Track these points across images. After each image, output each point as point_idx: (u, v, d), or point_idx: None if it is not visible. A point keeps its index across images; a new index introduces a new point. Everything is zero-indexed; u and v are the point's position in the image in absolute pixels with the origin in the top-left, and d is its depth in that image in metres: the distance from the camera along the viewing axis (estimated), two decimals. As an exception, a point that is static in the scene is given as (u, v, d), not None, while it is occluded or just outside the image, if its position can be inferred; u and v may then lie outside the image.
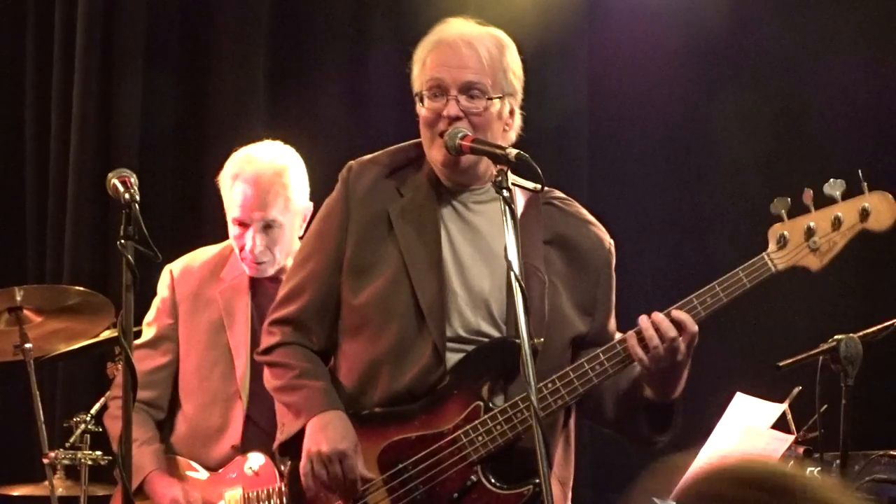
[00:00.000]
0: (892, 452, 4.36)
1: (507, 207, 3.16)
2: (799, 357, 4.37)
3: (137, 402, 4.37)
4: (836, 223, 3.31)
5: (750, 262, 3.31)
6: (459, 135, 3.29)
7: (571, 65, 6.20)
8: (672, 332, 3.24)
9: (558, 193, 3.49)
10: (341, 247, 3.49)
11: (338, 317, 3.51)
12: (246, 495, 4.25)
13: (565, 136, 6.16)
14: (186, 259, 4.55)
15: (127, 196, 3.48)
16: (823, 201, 3.26)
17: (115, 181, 3.54)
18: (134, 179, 3.55)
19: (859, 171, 3.30)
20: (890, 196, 3.32)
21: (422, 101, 3.40)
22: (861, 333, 4.25)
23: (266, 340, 3.57)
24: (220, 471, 4.38)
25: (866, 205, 3.30)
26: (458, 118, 3.33)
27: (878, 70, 5.84)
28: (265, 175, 4.29)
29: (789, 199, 3.30)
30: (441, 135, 3.34)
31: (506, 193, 3.18)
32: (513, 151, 3.23)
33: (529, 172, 3.35)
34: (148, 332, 4.47)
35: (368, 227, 3.47)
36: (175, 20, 6.19)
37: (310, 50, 6.08)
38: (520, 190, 3.44)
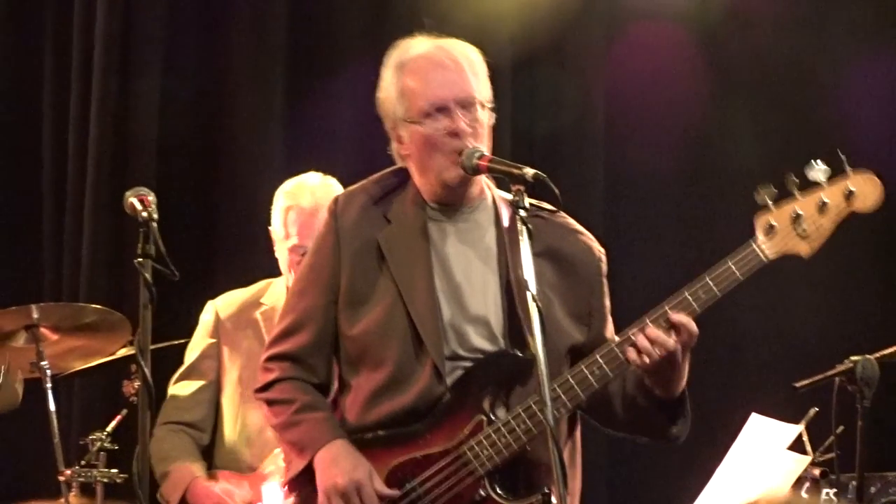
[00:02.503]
0: None
1: (524, 228, 3.16)
2: (815, 378, 4.44)
3: (181, 425, 4.65)
4: (823, 207, 3.27)
5: (739, 252, 3.29)
6: (477, 154, 3.30)
7: (588, 66, 6.22)
8: (669, 343, 3.25)
9: (545, 205, 3.45)
10: (335, 279, 3.49)
11: (336, 348, 3.53)
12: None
13: (582, 136, 6.19)
14: (228, 293, 4.73)
15: (145, 214, 3.54)
16: (808, 185, 3.25)
17: (133, 199, 3.60)
18: (152, 198, 3.59)
19: (839, 152, 3.29)
20: (874, 176, 3.30)
21: (417, 123, 3.40)
22: (878, 355, 4.32)
23: (264, 377, 3.56)
24: (258, 468, 4.48)
25: (851, 186, 3.27)
26: (467, 132, 3.35)
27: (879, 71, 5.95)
28: (324, 201, 4.31)
29: (773, 187, 3.28)
30: (459, 153, 3.34)
31: (522, 213, 3.19)
32: (530, 171, 3.23)
33: (545, 192, 3.32)
34: (190, 356, 4.65)
35: (360, 257, 3.48)
36: (192, 39, 6.18)
37: (326, 61, 6.10)
38: (504, 203, 3.46)
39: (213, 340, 4.64)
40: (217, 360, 4.62)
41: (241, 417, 4.62)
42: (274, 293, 4.63)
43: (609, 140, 6.19)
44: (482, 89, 3.43)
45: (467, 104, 3.37)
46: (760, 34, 6.14)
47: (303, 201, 4.48)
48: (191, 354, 4.69)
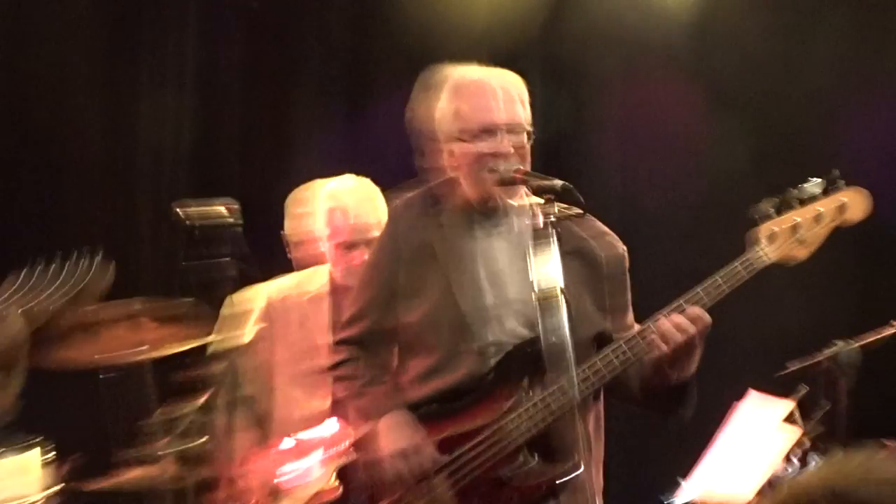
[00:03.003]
0: (885, 442, 4.34)
1: (553, 232, 3.19)
2: (805, 361, 4.53)
3: (239, 399, 4.54)
4: (818, 218, 3.30)
5: (745, 255, 3.31)
6: (513, 168, 3.34)
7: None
8: (690, 329, 3.26)
9: (573, 210, 3.43)
10: (393, 276, 3.54)
11: (395, 335, 3.57)
12: (327, 453, 4.24)
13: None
14: (276, 279, 4.66)
15: (231, 220, 3.69)
16: (805, 199, 3.29)
17: (221, 208, 3.78)
18: (237, 206, 3.77)
19: (836, 171, 3.33)
20: (864, 190, 3.33)
21: (468, 141, 3.43)
22: (860, 344, 4.41)
23: (334, 357, 3.64)
24: (303, 436, 4.42)
25: (844, 200, 3.30)
26: (510, 153, 3.39)
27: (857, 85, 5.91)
28: (368, 198, 4.42)
29: (777, 199, 3.32)
30: (492, 170, 3.39)
31: (552, 219, 3.21)
32: (558, 183, 3.25)
33: (572, 200, 3.32)
34: (246, 338, 4.57)
35: (415, 256, 3.53)
36: (265, 68, 6.20)
37: (372, 87, 6.12)
38: (537, 208, 3.43)
39: (265, 324, 4.57)
40: (270, 341, 4.54)
41: (283, 395, 4.53)
42: (318, 280, 4.55)
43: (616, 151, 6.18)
44: (525, 115, 3.46)
45: (512, 128, 3.41)
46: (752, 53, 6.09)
47: (345, 201, 4.41)
48: (247, 336, 4.59)
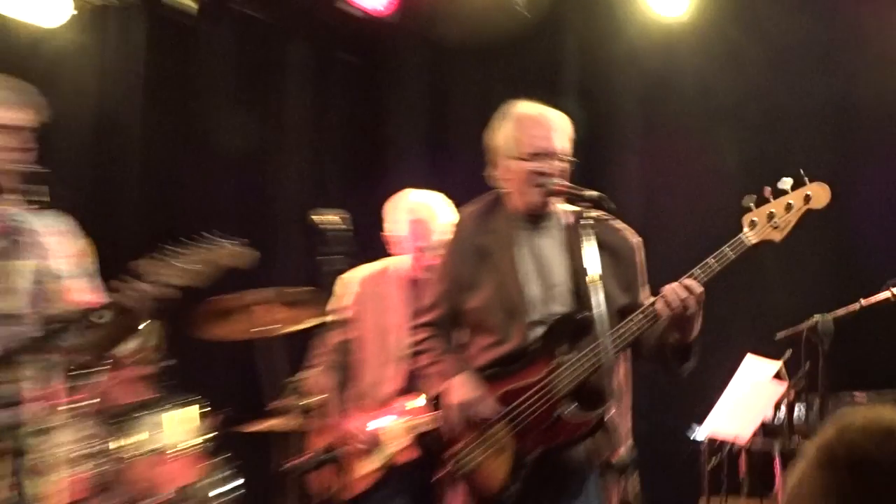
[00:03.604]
0: (854, 393, 4.50)
1: (589, 232, 3.22)
2: (790, 331, 4.52)
3: (335, 366, 4.51)
4: (789, 207, 3.24)
5: (732, 241, 3.25)
6: (554, 182, 3.38)
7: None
8: (684, 293, 3.22)
9: (602, 214, 3.39)
10: (458, 272, 3.54)
11: (462, 317, 3.55)
12: (403, 421, 4.27)
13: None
14: (363, 266, 4.58)
15: (342, 227, 3.90)
16: (779, 193, 3.24)
17: (337, 217, 3.95)
18: (347, 216, 3.93)
19: (801, 171, 3.27)
20: (825, 185, 3.26)
21: (523, 160, 3.42)
22: (833, 316, 4.36)
23: (417, 336, 3.62)
24: (382, 407, 4.42)
25: (808, 192, 3.24)
26: (554, 173, 3.40)
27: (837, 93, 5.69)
28: (439, 211, 4.41)
29: (755, 195, 3.25)
30: (539, 185, 3.40)
31: (584, 221, 3.25)
32: (592, 193, 3.29)
33: (601, 206, 3.30)
34: (340, 316, 4.56)
35: (476, 256, 3.52)
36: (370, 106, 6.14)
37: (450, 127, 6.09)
38: (569, 213, 3.47)
39: (359, 307, 4.49)
40: (361, 319, 4.48)
41: (368, 369, 4.46)
42: (399, 268, 4.46)
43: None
44: (567, 145, 3.46)
45: (557, 154, 3.42)
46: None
47: (422, 214, 4.41)
48: (340, 315, 4.52)
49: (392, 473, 4.32)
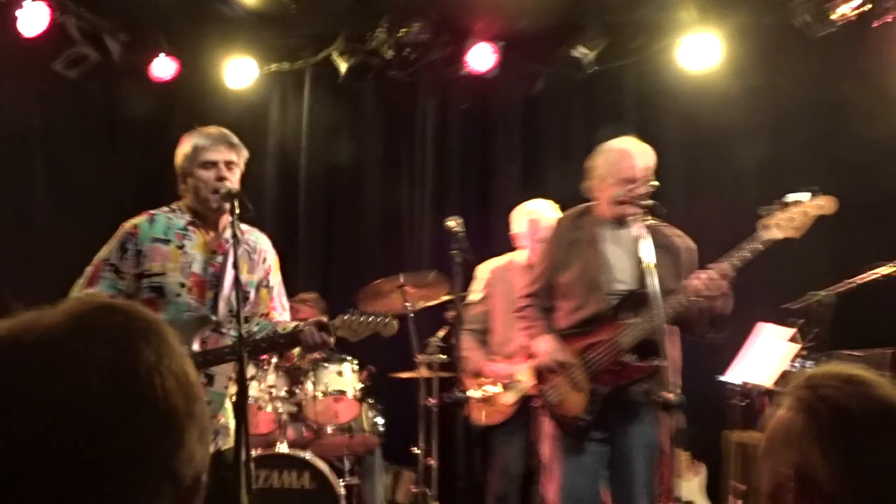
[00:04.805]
0: (853, 353, 4.27)
1: (648, 234, 3.24)
2: (800, 303, 4.43)
3: (475, 331, 4.50)
4: (805, 213, 3.25)
5: (762, 235, 3.24)
6: (633, 201, 3.36)
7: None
8: (716, 276, 3.23)
9: (660, 222, 3.36)
10: (555, 258, 3.53)
11: (555, 289, 3.54)
12: (525, 366, 4.14)
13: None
14: (492, 259, 4.59)
15: (460, 230, 3.92)
16: (798, 202, 3.25)
17: (456, 220, 3.97)
18: (461, 220, 3.92)
19: (816, 187, 3.29)
20: (833, 198, 3.26)
21: (618, 184, 3.38)
22: (836, 291, 4.29)
23: (522, 303, 3.62)
24: (508, 359, 4.36)
25: (822, 203, 3.25)
26: (643, 194, 3.36)
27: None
28: (549, 214, 4.36)
29: (779, 203, 3.27)
30: (621, 202, 3.39)
31: (644, 225, 3.28)
32: (650, 203, 3.30)
33: (659, 215, 3.31)
34: (475, 297, 4.54)
35: (569, 246, 3.51)
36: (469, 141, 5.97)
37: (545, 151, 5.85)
38: (638, 219, 3.42)
39: (490, 288, 4.48)
40: (491, 297, 4.45)
41: (500, 329, 4.42)
42: (520, 259, 4.45)
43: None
44: (649, 171, 3.39)
45: (639, 180, 3.39)
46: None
47: (536, 215, 4.41)
48: (475, 296, 4.52)
49: (515, 415, 4.33)
